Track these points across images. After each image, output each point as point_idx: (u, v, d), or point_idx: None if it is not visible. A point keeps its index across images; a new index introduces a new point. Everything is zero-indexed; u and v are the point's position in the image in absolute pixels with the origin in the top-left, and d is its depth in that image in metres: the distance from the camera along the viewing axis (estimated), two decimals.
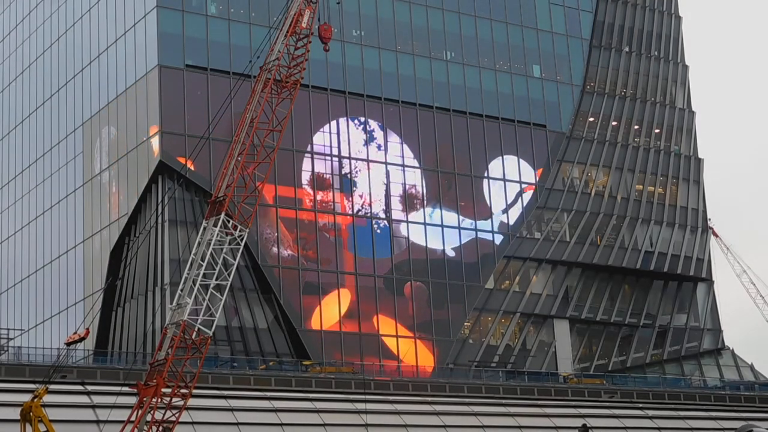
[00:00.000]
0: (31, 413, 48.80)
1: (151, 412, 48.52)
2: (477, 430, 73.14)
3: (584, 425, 70.16)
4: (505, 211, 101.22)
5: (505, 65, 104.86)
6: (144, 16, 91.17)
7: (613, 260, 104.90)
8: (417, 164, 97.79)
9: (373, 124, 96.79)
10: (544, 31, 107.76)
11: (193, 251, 49.95)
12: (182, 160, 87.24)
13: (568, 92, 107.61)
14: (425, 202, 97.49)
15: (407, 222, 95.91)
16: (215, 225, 50.01)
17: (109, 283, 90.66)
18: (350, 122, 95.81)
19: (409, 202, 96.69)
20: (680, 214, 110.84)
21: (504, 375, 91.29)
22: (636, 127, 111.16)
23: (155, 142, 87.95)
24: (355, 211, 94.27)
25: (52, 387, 52.25)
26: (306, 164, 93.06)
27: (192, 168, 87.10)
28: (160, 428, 49.07)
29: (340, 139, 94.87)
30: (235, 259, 50.42)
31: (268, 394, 69.60)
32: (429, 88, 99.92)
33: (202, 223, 50.65)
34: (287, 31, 52.45)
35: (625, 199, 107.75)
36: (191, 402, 50.89)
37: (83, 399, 62.83)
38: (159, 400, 48.57)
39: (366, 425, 67.39)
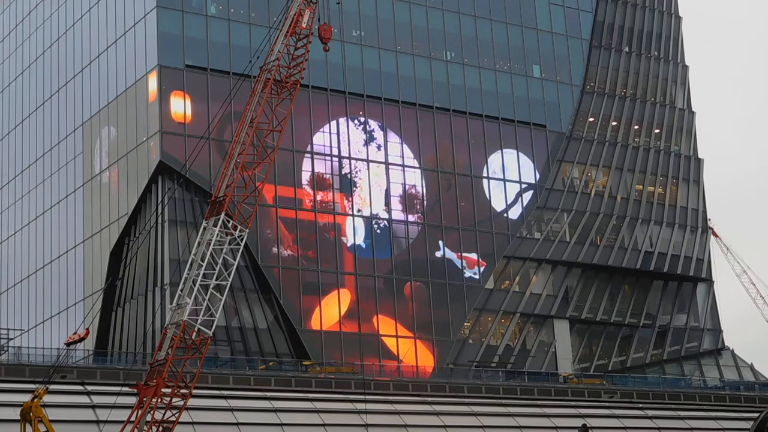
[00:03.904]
0: (31, 413, 48.82)
1: (151, 412, 48.53)
2: (477, 430, 73.13)
3: (584, 425, 70.16)
4: (505, 211, 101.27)
5: (505, 65, 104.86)
6: (144, 16, 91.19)
7: (613, 260, 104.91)
8: (417, 164, 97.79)
9: (373, 124, 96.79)
10: (544, 32, 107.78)
11: (193, 251, 49.97)
12: (182, 160, 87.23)
13: (568, 92, 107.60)
14: (425, 202, 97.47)
15: (407, 222, 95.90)
16: (215, 225, 50.03)
17: (109, 283, 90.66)
18: (350, 122, 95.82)
19: (409, 202, 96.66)
20: (680, 214, 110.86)
21: (504, 375, 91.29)
22: (636, 127, 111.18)
23: (155, 142, 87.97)
24: (355, 211, 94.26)
25: (52, 387, 52.27)
26: (306, 164, 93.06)
27: (192, 168, 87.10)
28: (160, 428, 49.09)
29: (340, 139, 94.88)
30: (235, 260, 50.44)
31: (268, 394, 69.61)
32: (429, 88, 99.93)
33: (202, 223, 50.68)
34: (287, 31, 52.48)
35: (625, 199, 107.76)
36: (191, 402, 50.92)
37: (83, 399, 62.83)
38: (159, 400, 48.59)
39: (366, 425, 67.39)
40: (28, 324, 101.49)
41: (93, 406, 61.95)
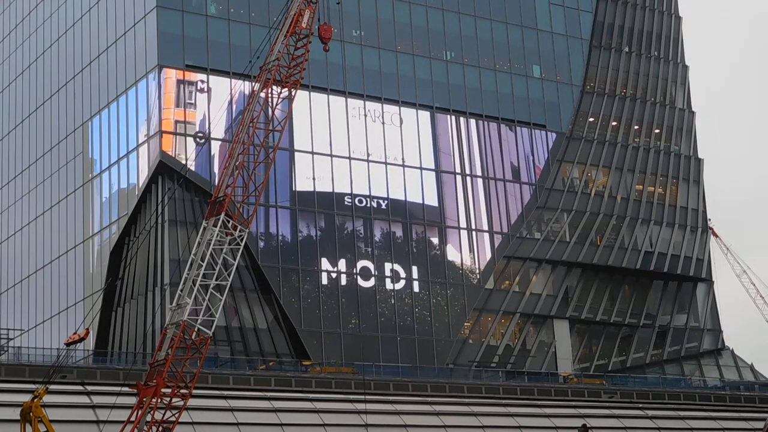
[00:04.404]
0: (31, 413, 48.80)
1: (151, 412, 48.52)
2: (477, 430, 73.14)
3: (584, 425, 70.20)
4: (506, 211, 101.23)
5: (505, 65, 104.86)
6: (144, 16, 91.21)
7: (613, 260, 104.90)
8: (417, 164, 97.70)
9: (373, 124, 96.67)
10: (544, 31, 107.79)
11: (193, 251, 49.94)
12: (182, 160, 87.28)
13: (568, 92, 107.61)
14: (424, 201, 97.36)
15: (408, 222, 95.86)
16: (215, 225, 50.01)
17: (109, 283, 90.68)
18: (351, 122, 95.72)
19: (410, 202, 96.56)
20: (680, 214, 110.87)
21: (504, 375, 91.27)
22: (636, 127, 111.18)
23: (155, 142, 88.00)
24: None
25: (52, 387, 52.24)
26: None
27: (192, 168, 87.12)
28: (160, 428, 49.08)
29: (339, 138, 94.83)
30: (235, 260, 50.42)
31: (268, 394, 69.62)
32: (429, 88, 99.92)
33: (202, 224, 50.66)
34: (287, 31, 52.46)
35: (625, 199, 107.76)
36: (191, 402, 50.90)
37: (83, 399, 62.85)
38: (159, 400, 48.58)
39: (366, 425, 67.39)
40: (28, 324, 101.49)
41: (93, 406, 61.96)
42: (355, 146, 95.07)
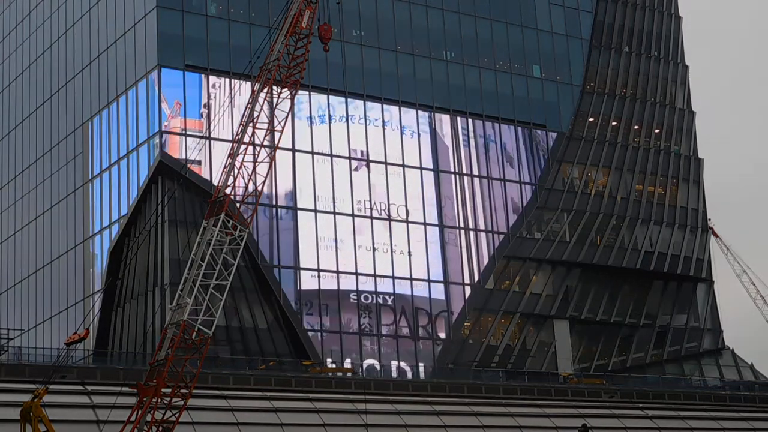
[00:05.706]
0: (31, 413, 48.78)
1: (151, 412, 48.52)
2: (477, 430, 73.08)
3: (584, 425, 70.11)
4: (505, 211, 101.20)
5: (505, 65, 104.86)
6: (144, 16, 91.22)
7: (613, 260, 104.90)
8: (417, 165, 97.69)
9: (373, 124, 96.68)
10: (544, 31, 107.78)
11: (193, 251, 49.89)
12: (182, 160, 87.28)
13: (568, 92, 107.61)
14: (425, 202, 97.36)
15: (406, 222, 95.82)
16: (215, 225, 49.96)
17: (109, 283, 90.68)
18: (351, 122, 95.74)
19: (410, 202, 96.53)
20: (680, 214, 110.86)
21: (504, 375, 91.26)
22: (636, 127, 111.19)
23: (155, 142, 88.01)
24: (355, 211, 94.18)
25: (52, 387, 52.21)
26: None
27: (192, 168, 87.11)
28: (160, 428, 49.06)
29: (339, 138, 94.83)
30: (235, 260, 50.36)
31: (268, 394, 69.57)
32: (429, 88, 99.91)
33: (202, 224, 50.62)
34: (287, 32, 52.40)
35: (625, 199, 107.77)
36: (191, 402, 50.86)
37: (83, 399, 62.78)
38: (159, 400, 48.56)
39: (366, 425, 67.36)
40: (28, 324, 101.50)
41: (93, 406, 61.90)
42: (355, 148, 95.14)
